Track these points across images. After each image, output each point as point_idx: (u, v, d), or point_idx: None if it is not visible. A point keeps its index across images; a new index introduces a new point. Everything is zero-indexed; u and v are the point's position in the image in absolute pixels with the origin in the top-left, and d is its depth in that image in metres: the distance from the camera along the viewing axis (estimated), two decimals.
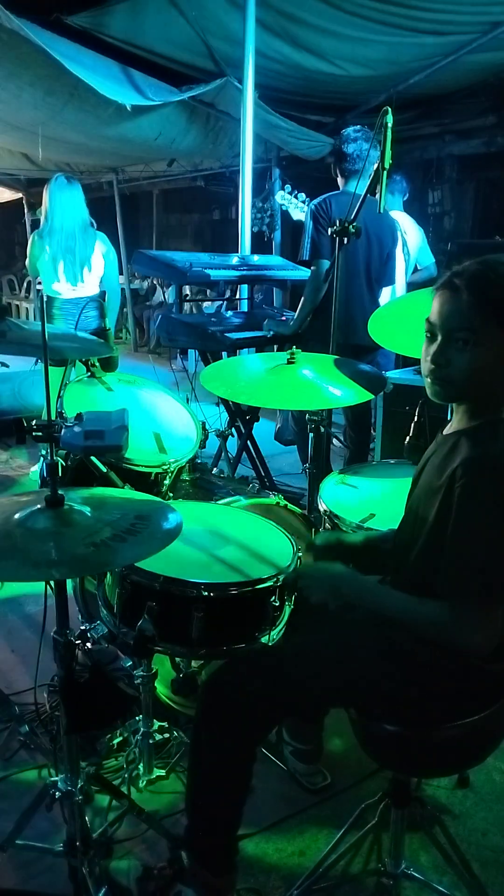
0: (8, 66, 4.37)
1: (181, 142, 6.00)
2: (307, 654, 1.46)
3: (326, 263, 3.04)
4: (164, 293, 8.78)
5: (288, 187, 4.02)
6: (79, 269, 3.95)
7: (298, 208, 3.97)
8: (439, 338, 1.31)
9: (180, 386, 3.13)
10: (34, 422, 1.37)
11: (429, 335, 1.34)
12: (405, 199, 4.24)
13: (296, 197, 3.98)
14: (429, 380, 1.36)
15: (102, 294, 4.13)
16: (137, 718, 1.92)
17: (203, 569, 1.68)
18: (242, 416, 3.54)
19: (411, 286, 3.75)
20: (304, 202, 3.96)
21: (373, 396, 2.22)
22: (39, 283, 4.10)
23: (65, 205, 3.88)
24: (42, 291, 4.09)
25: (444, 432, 1.46)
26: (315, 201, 3.20)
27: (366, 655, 1.39)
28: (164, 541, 1.32)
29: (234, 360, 2.70)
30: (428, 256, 4.29)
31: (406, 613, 1.34)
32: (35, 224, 4.11)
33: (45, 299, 4.04)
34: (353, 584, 1.42)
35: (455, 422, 1.41)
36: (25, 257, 4.09)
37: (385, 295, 3.35)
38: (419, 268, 4.16)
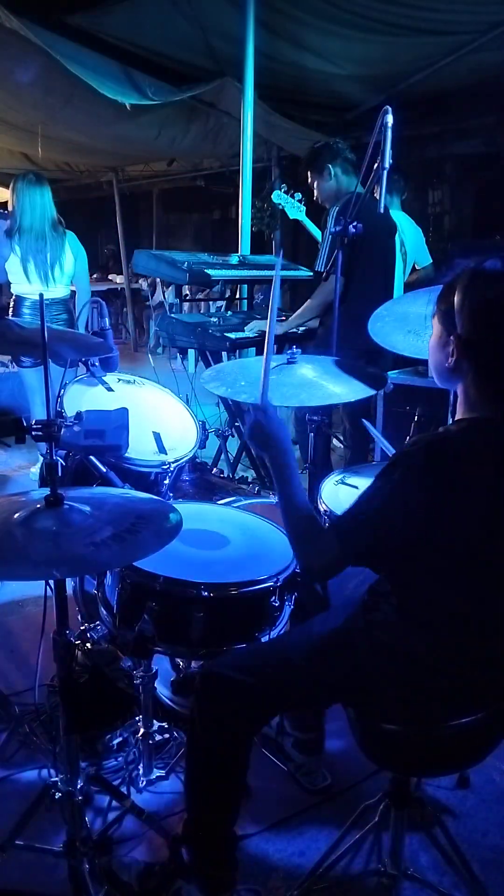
0: (8, 65, 4.37)
1: (181, 141, 6.00)
2: (304, 649, 1.47)
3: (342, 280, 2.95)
4: (164, 293, 8.77)
5: (284, 186, 4.02)
6: (50, 270, 3.87)
7: (296, 207, 3.97)
8: None
9: (180, 386, 3.13)
10: (34, 421, 1.37)
11: None
12: (403, 198, 4.24)
13: (292, 196, 3.98)
14: None
15: (72, 295, 4.07)
16: (137, 718, 1.92)
17: (203, 569, 1.68)
18: (242, 416, 3.54)
19: (408, 287, 3.75)
20: (300, 200, 3.97)
21: (374, 392, 2.21)
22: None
23: (34, 204, 3.79)
24: (14, 293, 4.03)
25: None
26: (336, 207, 3.08)
27: (364, 653, 1.40)
28: (164, 541, 1.33)
29: (235, 362, 2.69)
30: (426, 257, 4.29)
31: (288, 515, 1.42)
32: None
33: (17, 298, 3.97)
34: (278, 459, 1.48)
35: None
36: None
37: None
38: (417, 268, 4.16)
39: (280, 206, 4.09)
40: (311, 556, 1.38)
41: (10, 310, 3.96)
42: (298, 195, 3.97)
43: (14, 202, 3.81)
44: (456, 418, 1.37)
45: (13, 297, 3.99)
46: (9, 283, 3.97)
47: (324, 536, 1.35)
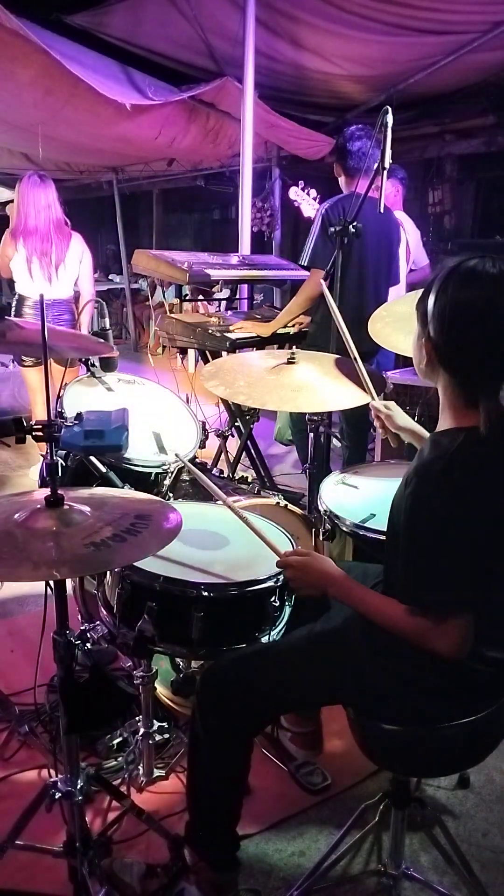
0: (8, 65, 4.36)
1: (181, 141, 6.00)
2: (305, 650, 1.47)
3: (323, 274, 2.89)
4: (164, 293, 8.76)
5: (301, 183, 4.04)
6: (53, 271, 3.89)
7: (311, 205, 3.98)
8: None
9: (180, 386, 3.13)
10: (34, 421, 1.37)
11: None
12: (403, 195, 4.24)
13: (308, 194, 3.99)
14: None
15: (76, 296, 4.07)
16: (137, 718, 1.92)
17: (203, 569, 1.68)
18: (242, 416, 3.54)
19: (407, 286, 3.74)
20: (315, 199, 3.98)
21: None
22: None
23: (39, 204, 3.80)
24: (17, 292, 4.04)
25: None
26: (326, 205, 3.06)
27: (364, 654, 1.39)
28: (164, 541, 1.32)
29: (234, 359, 2.69)
30: (423, 257, 4.30)
31: (383, 619, 1.33)
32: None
33: (20, 298, 3.99)
34: (339, 587, 1.41)
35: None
36: None
37: (391, 295, 3.33)
38: (414, 268, 4.16)
39: (297, 204, 4.11)
40: (433, 642, 1.25)
41: (13, 309, 3.98)
42: (314, 192, 3.98)
43: (18, 202, 3.82)
44: (446, 427, 1.34)
45: (16, 296, 4.00)
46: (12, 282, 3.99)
47: (423, 618, 1.25)
